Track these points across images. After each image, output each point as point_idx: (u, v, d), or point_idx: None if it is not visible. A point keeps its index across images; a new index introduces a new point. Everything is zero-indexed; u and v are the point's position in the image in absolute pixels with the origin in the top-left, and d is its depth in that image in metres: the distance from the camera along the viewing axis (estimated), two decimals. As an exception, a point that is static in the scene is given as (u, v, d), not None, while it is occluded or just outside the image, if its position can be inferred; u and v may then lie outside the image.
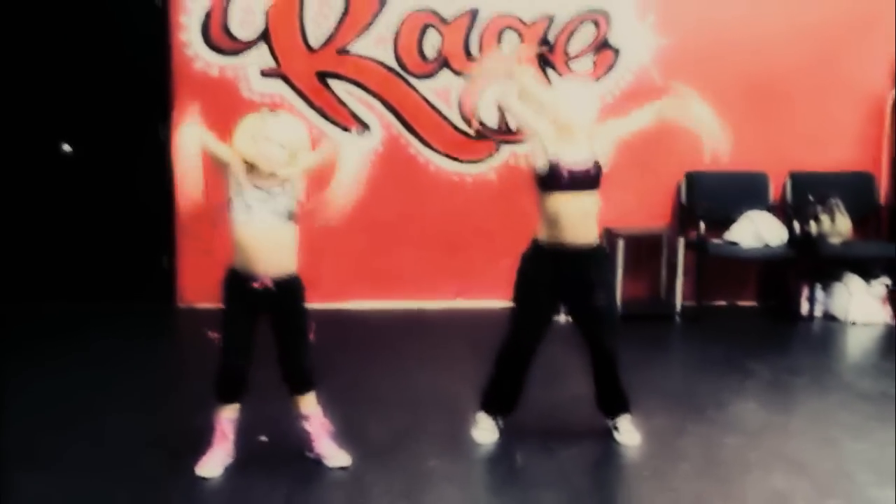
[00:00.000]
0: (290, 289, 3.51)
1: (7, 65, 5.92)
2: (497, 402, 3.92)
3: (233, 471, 3.51)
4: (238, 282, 3.44)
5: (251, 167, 3.39)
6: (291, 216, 3.45)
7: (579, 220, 3.65)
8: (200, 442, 3.55)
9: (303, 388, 3.61)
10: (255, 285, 3.41)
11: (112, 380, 4.66)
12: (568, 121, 3.64)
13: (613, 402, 3.89)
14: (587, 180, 3.66)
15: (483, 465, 3.74)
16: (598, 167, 3.70)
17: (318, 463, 3.59)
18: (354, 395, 4.40)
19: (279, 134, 3.39)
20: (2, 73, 5.92)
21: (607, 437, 3.89)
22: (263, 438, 3.81)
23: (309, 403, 3.62)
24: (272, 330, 3.54)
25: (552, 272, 3.68)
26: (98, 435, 3.88)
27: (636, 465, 3.72)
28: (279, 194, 3.40)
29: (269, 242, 3.42)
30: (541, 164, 3.65)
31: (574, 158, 3.63)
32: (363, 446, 3.72)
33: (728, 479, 3.56)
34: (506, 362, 3.84)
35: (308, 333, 3.58)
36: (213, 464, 3.50)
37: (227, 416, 3.53)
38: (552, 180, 3.62)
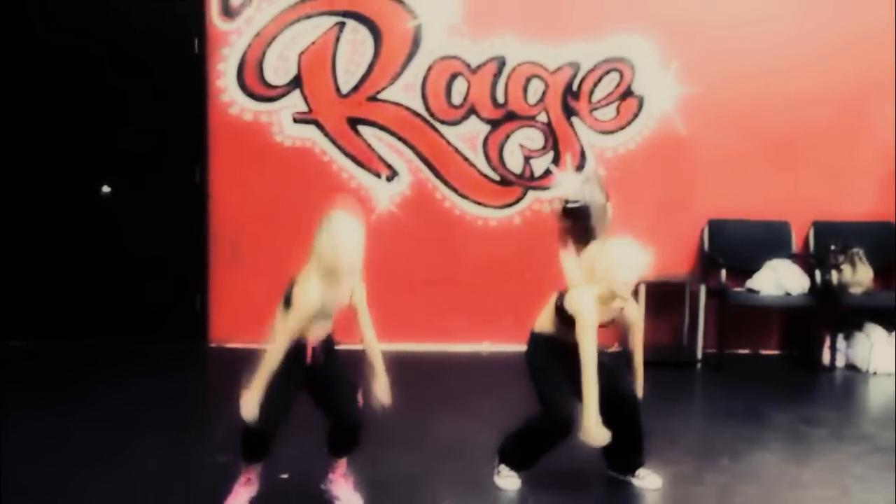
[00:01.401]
0: (329, 350, 3.62)
1: (51, 110, 6.14)
2: (519, 462, 3.98)
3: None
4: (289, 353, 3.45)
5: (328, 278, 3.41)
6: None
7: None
8: (227, 480, 3.65)
9: (344, 451, 3.67)
10: (308, 361, 3.50)
11: (143, 417, 4.79)
12: (620, 287, 3.68)
13: (633, 455, 3.94)
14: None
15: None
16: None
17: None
18: (379, 437, 4.49)
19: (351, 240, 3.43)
20: (47, 118, 6.15)
21: (623, 484, 3.95)
22: (284, 476, 3.91)
23: (343, 461, 3.70)
24: (316, 389, 3.59)
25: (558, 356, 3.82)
26: (127, 472, 4.00)
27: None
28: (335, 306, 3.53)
29: (317, 332, 3.54)
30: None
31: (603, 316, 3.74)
32: (377, 487, 3.81)
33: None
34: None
35: (355, 393, 3.62)
36: None
37: (253, 468, 3.62)
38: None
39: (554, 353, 3.82)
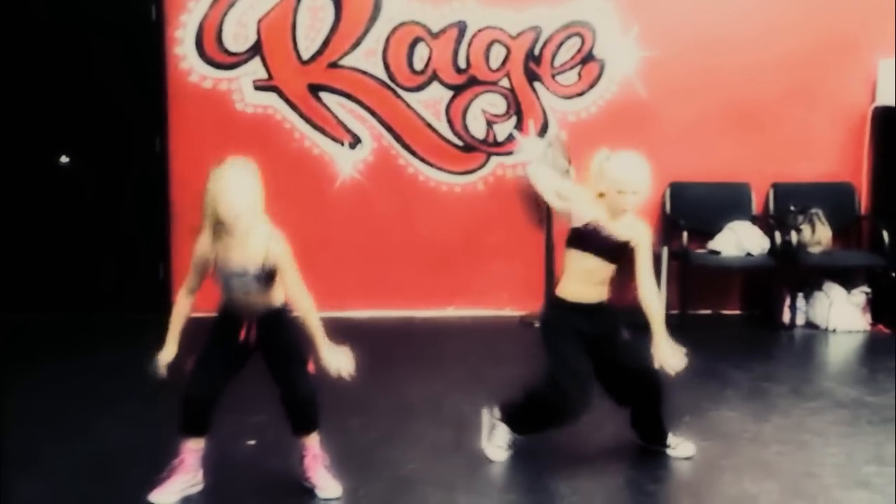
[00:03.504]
0: (275, 322, 3.45)
1: (5, 78, 6.04)
2: (518, 425, 3.90)
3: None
4: (225, 324, 3.42)
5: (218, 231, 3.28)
6: (268, 277, 3.37)
7: (594, 278, 3.73)
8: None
9: (303, 427, 3.53)
10: (241, 338, 3.39)
11: (106, 388, 4.77)
12: (627, 187, 3.60)
13: (658, 425, 3.95)
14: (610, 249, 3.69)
15: (470, 470, 3.82)
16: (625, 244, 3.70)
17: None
18: (344, 402, 4.51)
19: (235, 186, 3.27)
20: (2, 87, 6.04)
21: (591, 443, 4.01)
22: (251, 442, 3.93)
23: (309, 438, 3.55)
24: (268, 365, 3.50)
25: (578, 324, 3.71)
26: (92, 444, 3.99)
27: (608, 470, 3.85)
28: (252, 265, 3.31)
29: (247, 301, 3.39)
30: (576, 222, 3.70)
31: (612, 229, 3.67)
32: (348, 450, 3.83)
33: (698, 483, 3.69)
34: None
35: (303, 364, 3.47)
36: (168, 492, 3.43)
37: (192, 447, 3.48)
38: (582, 241, 3.68)
39: (573, 322, 3.71)
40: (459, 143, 6.35)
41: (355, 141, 6.30)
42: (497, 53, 6.28)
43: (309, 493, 3.54)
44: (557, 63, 6.32)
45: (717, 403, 4.62)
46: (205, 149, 6.16)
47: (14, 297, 6.13)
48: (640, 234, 3.72)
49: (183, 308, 3.45)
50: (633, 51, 6.31)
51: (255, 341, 3.41)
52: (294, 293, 3.40)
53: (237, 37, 6.13)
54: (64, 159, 6.17)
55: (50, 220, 6.20)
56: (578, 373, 3.67)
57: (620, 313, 3.86)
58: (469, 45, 6.26)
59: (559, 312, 3.78)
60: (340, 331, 5.93)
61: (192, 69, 6.13)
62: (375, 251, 6.38)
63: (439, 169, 6.37)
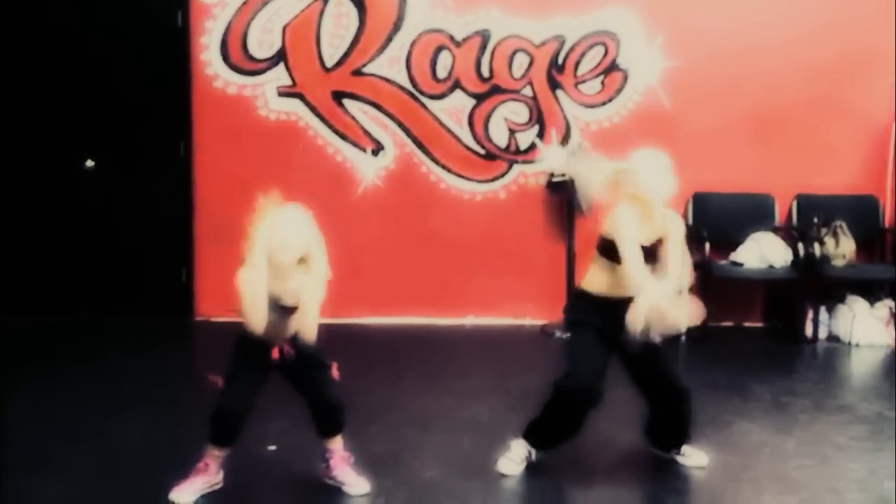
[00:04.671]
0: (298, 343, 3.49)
1: (35, 85, 6.11)
2: (538, 437, 3.82)
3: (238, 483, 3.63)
4: (254, 340, 3.41)
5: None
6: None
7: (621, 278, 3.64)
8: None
9: (330, 430, 3.60)
10: (274, 355, 3.45)
11: (128, 392, 4.80)
12: (647, 194, 3.60)
13: (677, 437, 3.89)
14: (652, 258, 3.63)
15: (488, 482, 3.82)
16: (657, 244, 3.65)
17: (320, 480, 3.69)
18: (363, 410, 4.52)
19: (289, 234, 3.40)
20: (30, 93, 6.11)
21: (608, 455, 4.00)
22: (272, 448, 3.94)
23: (334, 440, 3.63)
24: (291, 376, 3.55)
25: (601, 318, 3.65)
26: (112, 447, 4.00)
27: (627, 483, 3.82)
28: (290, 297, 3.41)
29: (279, 328, 3.44)
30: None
31: (645, 236, 3.61)
32: (366, 458, 3.83)
33: (718, 496, 3.66)
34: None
35: (329, 368, 3.58)
36: (188, 492, 3.47)
37: (216, 453, 3.52)
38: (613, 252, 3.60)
39: (596, 314, 3.66)
40: (481, 151, 6.35)
41: (378, 148, 6.32)
42: (520, 62, 6.29)
43: (329, 497, 3.55)
44: (581, 72, 6.32)
45: (739, 416, 4.59)
46: (228, 154, 6.23)
47: (38, 299, 6.19)
48: (670, 227, 3.67)
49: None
50: (657, 60, 6.30)
51: (290, 358, 3.48)
52: (313, 283, 3.45)
53: (262, 43, 6.16)
54: (89, 163, 6.23)
55: (75, 223, 6.25)
56: (589, 368, 3.60)
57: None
58: (492, 53, 6.27)
59: (581, 304, 3.75)
60: (359, 338, 6.00)
61: (216, 75, 6.17)
62: (396, 258, 6.39)
63: (461, 177, 6.38)
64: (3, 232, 6.18)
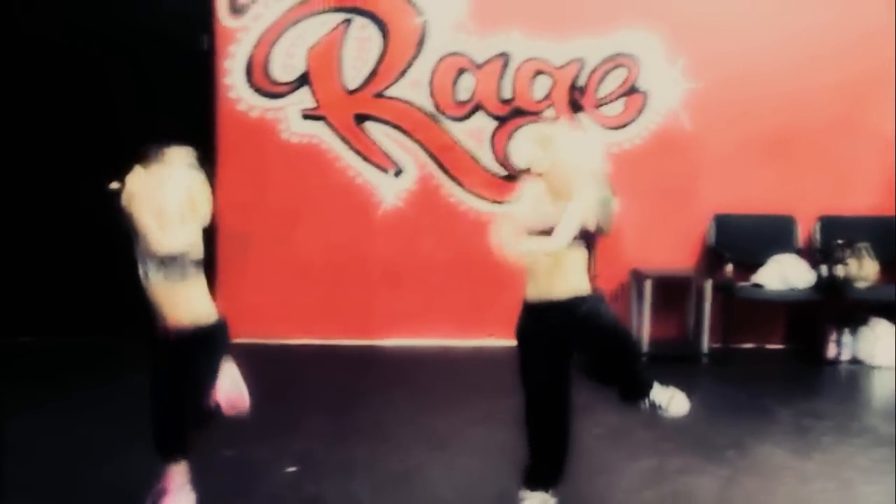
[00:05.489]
0: (191, 342, 3.38)
1: (60, 109, 6.18)
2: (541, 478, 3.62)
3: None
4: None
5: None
6: (187, 272, 3.40)
7: (550, 271, 3.47)
8: (230, 475, 3.69)
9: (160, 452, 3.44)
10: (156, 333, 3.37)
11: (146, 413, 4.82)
12: (563, 168, 3.39)
13: (642, 382, 3.58)
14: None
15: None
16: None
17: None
18: (380, 429, 4.55)
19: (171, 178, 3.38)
20: (56, 116, 6.19)
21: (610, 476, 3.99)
22: (292, 469, 3.96)
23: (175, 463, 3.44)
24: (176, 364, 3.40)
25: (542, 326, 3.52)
26: (129, 468, 3.94)
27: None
28: (178, 253, 3.37)
29: (169, 297, 3.38)
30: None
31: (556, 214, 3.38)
32: (382, 478, 3.85)
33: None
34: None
35: (191, 392, 3.39)
36: None
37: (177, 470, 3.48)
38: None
39: (534, 325, 3.54)
40: (502, 172, 6.38)
41: (399, 170, 6.36)
42: (542, 84, 6.32)
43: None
44: (602, 94, 6.34)
45: (760, 439, 4.58)
46: (252, 177, 6.29)
47: (59, 319, 6.25)
48: (575, 197, 3.37)
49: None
50: (679, 82, 6.31)
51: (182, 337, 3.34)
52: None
53: (285, 67, 6.23)
54: (115, 186, 6.28)
55: (96, 244, 6.30)
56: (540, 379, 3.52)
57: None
58: (514, 75, 6.31)
59: (525, 318, 3.60)
60: (378, 359, 6.01)
61: (240, 98, 6.24)
62: (416, 279, 6.41)
63: (482, 198, 6.40)
64: (28, 255, 6.25)
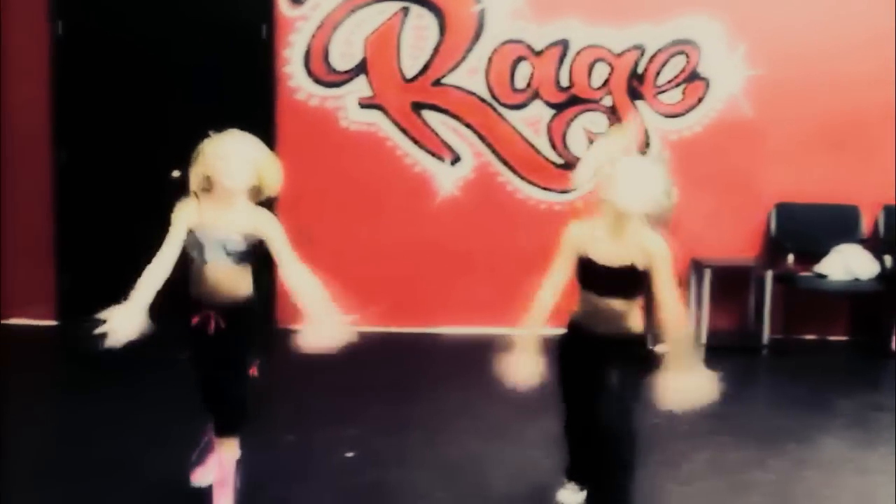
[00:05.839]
0: (235, 315, 3.28)
1: (123, 100, 6.29)
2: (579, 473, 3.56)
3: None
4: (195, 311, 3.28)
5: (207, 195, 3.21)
6: (246, 257, 3.28)
7: (614, 318, 3.25)
8: (292, 458, 3.73)
9: (225, 428, 3.31)
10: (195, 320, 3.25)
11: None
12: (621, 203, 3.12)
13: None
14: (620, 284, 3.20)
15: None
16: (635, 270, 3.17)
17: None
18: (435, 419, 4.57)
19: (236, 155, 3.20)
20: (120, 108, 6.30)
21: (668, 468, 3.96)
22: (350, 455, 4.01)
23: (228, 446, 3.32)
24: (206, 353, 3.32)
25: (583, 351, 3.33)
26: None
27: (708, 496, 3.77)
28: (233, 237, 3.22)
29: (219, 281, 3.25)
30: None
31: (612, 255, 3.20)
32: (439, 465, 3.87)
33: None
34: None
35: (245, 366, 3.32)
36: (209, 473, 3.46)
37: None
38: (584, 277, 3.30)
39: (577, 350, 3.35)
40: (560, 160, 6.35)
41: (456, 158, 6.37)
42: (600, 72, 6.27)
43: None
44: (661, 81, 6.27)
45: (821, 431, 4.52)
46: (310, 165, 6.34)
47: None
48: (651, 254, 3.16)
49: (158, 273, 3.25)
50: (740, 69, 6.21)
51: (224, 330, 3.23)
52: (292, 269, 3.23)
53: (343, 55, 6.26)
54: (176, 174, 6.40)
55: (161, 231, 6.41)
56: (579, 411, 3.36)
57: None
58: (572, 63, 6.27)
59: (567, 337, 3.42)
60: (436, 348, 6.04)
61: (299, 87, 6.29)
62: (474, 268, 6.41)
63: (539, 187, 6.38)
64: (99, 240, 6.38)
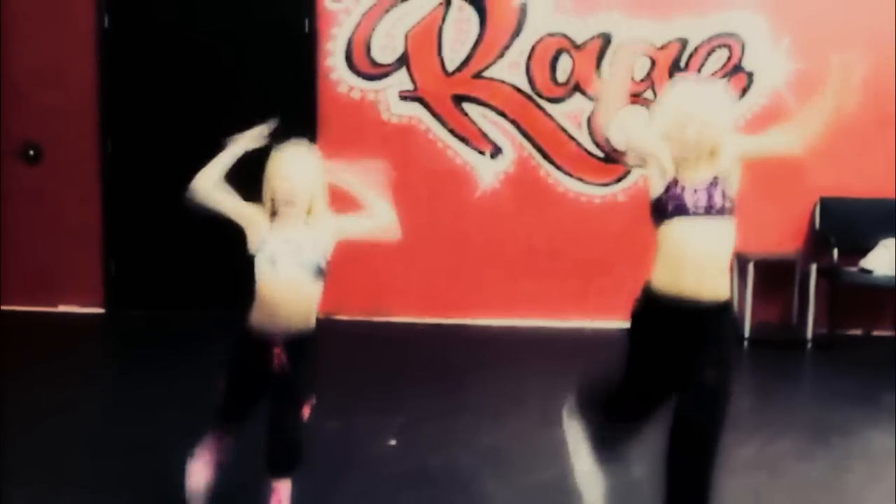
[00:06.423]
0: (300, 348, 3.08)
1: (168, 93, 6.37)
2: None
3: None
4: (253, 341, 3.07)
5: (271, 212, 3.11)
6: (320, 273, 3.08)
7: (705, 259, 2.93)
8: (333, 446, 3.76)
9: (280, 469, 3.09)
10: (274, 357, 3.03)
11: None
12: (691, 131, 2.91)
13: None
14: (713, 206, 2.94)
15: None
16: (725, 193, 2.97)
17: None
18: (480, 407, 4.58)
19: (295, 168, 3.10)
20: (165, 100, 6.38)
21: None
22: (392, 443, 4.02)
23: (281, 481, 3.10)
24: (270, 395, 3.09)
25: (669, 330, 2.95)
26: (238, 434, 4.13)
27: (754, 489, 3.74)
28: (308, 247, 3.07)
29: (292, 298, 3.04)
30: (657, 189, 3.01)
31: (698, 179, 2.95)
32: (489, 452, 3.87)
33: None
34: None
35: (303, 405, 3.11)
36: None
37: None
38: (668, 207, 2.97)
39: (658, 323, 2.97)
40: (601, 154, 6.33)
41: (496, 151, 6.37)
42: (642, 65, 6.24)
43: (448, 494, 3.58)
44: (703, 75, 6.23)
45: (866, 424, 4.47)
46: (352, 157, 6.35)
47: (162, 294, 6.48)
48: (735, 153, 3.00)
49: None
50: (784, 63, 6.16)
51: (285, 367, 3.05)
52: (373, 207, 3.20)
53: (385, 49, 6.29)
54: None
55: (201, 222, 6.46)
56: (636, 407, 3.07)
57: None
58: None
59: (650, 309, 3.00)
60: (477, 338, 6.03)
61: (341, 80, 6.32)
62: (513, 261, 6.41)
63: (579, 180, 6.36)
64: (144, 229, 6.46)
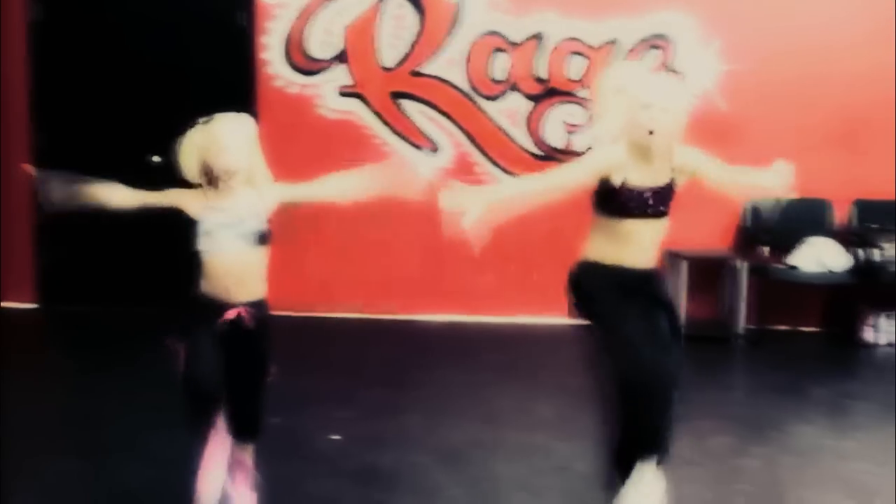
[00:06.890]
0: (254, 314, 3.04)
1: (102, 85, 6.24)
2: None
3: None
4: (206, 310, 3.02)
5: (208, 185, 3.06)
6: (262, 239, 3.06)
7: (643, 246, 3.11)
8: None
9: (244, 437, 3.10)
10: (228, 315, 2.99)
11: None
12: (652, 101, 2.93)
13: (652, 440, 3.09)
14: (659, 211, 3.06)
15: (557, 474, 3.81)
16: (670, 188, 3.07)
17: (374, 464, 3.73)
18: (432, 402, 4.58)
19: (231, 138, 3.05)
20: (99, 92, 6.25)
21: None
22: (335, 437, 3.99)
23: (245, 451, 3.13)
24: (227, 363, 3.00)
25: (613, 282, 3.10)
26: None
27: (694, 484, 3.80)
28: (248, 215, 3.04)
29: (237, 270, 3.02)
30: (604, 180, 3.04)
31: (646, 178, 3.02)
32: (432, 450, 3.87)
33: (783, 499, 3.64)
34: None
35: (266, 369, 3.09)
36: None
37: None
38: (618, 205, 3.04)
39: (607, 282, 3.10)
40: (538, 152, 6.38)
41: (434, 148, 6.37)
42: (577, 64, 6.31)
43: (392, 491, 3.57)
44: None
45: (798, 419, 4.59)
46: (289, 153, 6.29)
47: (104, 290, 6.32)
48: (690, 158, 3.08)
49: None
50: (714, 64, 6.28)
51: (244, 326, 3.00)
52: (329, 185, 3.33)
53: (323, 44, 6.25)
54: (156, 159, 6.35)
55: (133, 217, 6.34)
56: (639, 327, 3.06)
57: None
58: (549, 56, 6.30)
59: (590, 271, 3.15)
60: (417, 334, 5.99)
61: (278, 75, 6.26)
62: (454, 257, 6.41)
63: (517, 177, 6.40)
64: (77, 225, 6.29)
